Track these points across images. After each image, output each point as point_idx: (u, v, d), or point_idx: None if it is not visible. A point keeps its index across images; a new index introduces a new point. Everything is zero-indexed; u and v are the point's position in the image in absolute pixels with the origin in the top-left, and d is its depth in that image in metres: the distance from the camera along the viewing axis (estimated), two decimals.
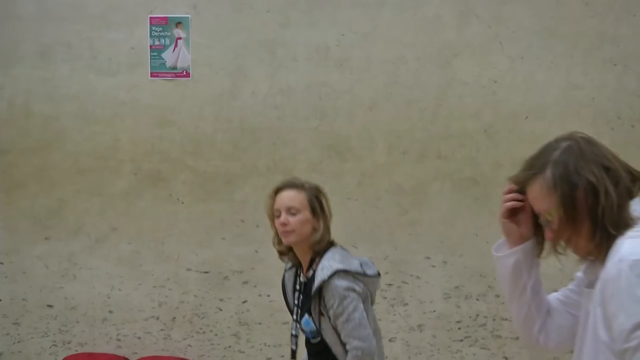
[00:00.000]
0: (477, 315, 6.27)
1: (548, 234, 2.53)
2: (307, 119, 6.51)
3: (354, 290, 4.05)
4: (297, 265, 4.34)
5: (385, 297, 6.38)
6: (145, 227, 6.77)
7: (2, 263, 7.01)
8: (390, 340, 6.34)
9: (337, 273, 4.04)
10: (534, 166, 2.50)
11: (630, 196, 2.47)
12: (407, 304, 6.35)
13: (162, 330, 6.77)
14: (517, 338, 6.18)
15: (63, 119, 6.84)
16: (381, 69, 6.41)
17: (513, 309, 2.85)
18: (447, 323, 6.31)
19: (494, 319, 6.24)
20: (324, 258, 4.14)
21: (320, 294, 4.06)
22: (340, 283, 4.03)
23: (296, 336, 4.28)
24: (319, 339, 4.15)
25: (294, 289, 4.32)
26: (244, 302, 6.62)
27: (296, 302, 4.26)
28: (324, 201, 4.28)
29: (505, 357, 6.23)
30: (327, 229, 4.28)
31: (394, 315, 6.38)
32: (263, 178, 6.54)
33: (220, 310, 6.67)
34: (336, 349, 4.11)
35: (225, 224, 6.64)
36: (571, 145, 2.48)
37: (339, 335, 4.06)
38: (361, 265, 4.16)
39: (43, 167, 6.89)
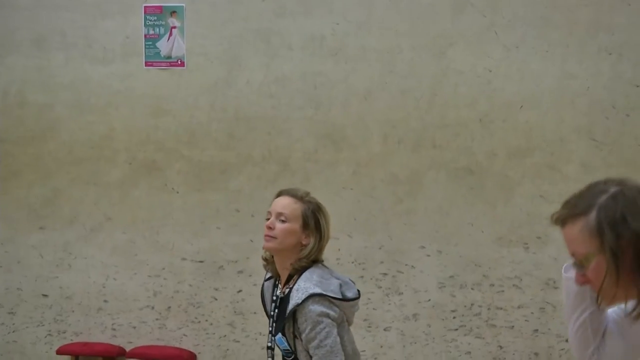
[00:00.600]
0: (472, 305, 6.25)
1: (578, 277, 2.42)
2: (302, 108, 6.48)
3: (327, 315, 3.84)
4: (277, 276, 4.18)
5: (380, 287, 6.36)
6: (140, 217, 6.75)
7: None
8: (385, 330, 6.33)
9: (312, 297, 3.83)
10: (577, 206, 2.32)
11: None
12: (402, 293, 6.34)
13: (157, 319, 6.75)
14: (512, 327, 6.18)
15: (58, 108, 6.82)
16: (376, 58, 6.38)
17: (570, 327, 2.76)
18: (442, 312, 6.29)
19: (488, 308, 6.22)
20: (301, 278, 3.90)
21: (294, 316, 3.97)
22: (314, 308, 3.81)
23: (272, 348, 4.13)
24: (293, 357, 4.05)
25: (272, 300, 4.18)
26: (239, 291, 6.60)
27: (272, 314, 4.13)
28: (322, 220, 4.00)
29: (500, 346, 6.21)
30: (317, 249, 3.98)
31: (389, 304, 6.36)
32: (258, 167, 6.52)
33: (216, 299, 6.65)
34: None
35: (220, 214, 6.62)
36: (622, 191, 2.33)
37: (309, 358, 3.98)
38: (340, 286, 3.98)
39: (38, 157, 6.87)
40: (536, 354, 6.17)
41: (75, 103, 6.79)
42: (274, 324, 4.02)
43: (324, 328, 3.77)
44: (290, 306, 3.84)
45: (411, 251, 6.32)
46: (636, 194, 2.29)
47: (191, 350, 6.68)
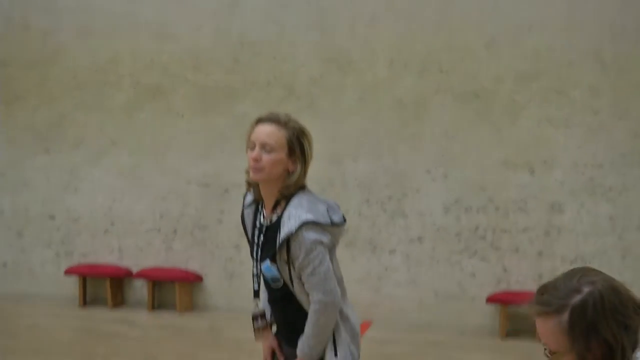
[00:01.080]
0: (477, 228, 6.28)
1: None
2: (307, 32, 6.45)
3: (321, 243, 3.83)
4: (259, 201, 4.12)
5: (386, 210, 6.39)
6: (146, 141, 6.75)
7: (4, 175, 7.01)
8: (390, 253, 6.37)
9: (305, 224, 3.86)
10: (551, 304, 2.38)
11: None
12: (407, 216, 6.36)
13: (163, 242, 6.79)
14: (517, 250, 6.22)
15: (62, 32, 6.80)
16: None
17: None
18: (447, 235, 6.33)
19: (493, 231, 6.26)
20: (291, 205, 3.79)
21: (287, 245, 3.90)
22: (308, 235, 3.73)
23: (257, 275, 4.08)
24: (280, 284, 4.03)
25: (254, 226, 4.12)
26: None
27: (256, 241, 4.07)
28: (306, 145, 3.91)
29: (505, 269, 6.26)
30: (303, 174, 4.00)
31: (394, 227, 6.39)
32: (263, 92, 6.50)
33: (221, 222, 6.68)
34: (301, 297, 3.96)
35: (225, 138, 6.62)
36: (594, 294, 2.39)
37: (301, 285, 3.96)
38: (327, 210, 3.95)
39: (42, 81, 6.86)
40: (540, 275, 6.20)
41: (79, 28, 6.76)
42: (260, 252, 4.00)
43: (318, 255, 3.73)
44: (283, 234, 3.78)
45: (416, 175, 6.34)
46: (608, 295, 2.35)
47: (197, 272, 6.73)
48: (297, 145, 3.75)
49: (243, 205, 4.02)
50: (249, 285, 6.63)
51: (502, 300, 6.15)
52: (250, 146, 3.80)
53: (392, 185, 6.38)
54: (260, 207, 3.89)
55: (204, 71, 6.62)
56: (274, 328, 4.13)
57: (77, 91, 6.83)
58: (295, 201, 3.76)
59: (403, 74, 6.32)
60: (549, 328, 2.40)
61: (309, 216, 3.71)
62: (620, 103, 6.01)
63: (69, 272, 6.82)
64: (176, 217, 6.76)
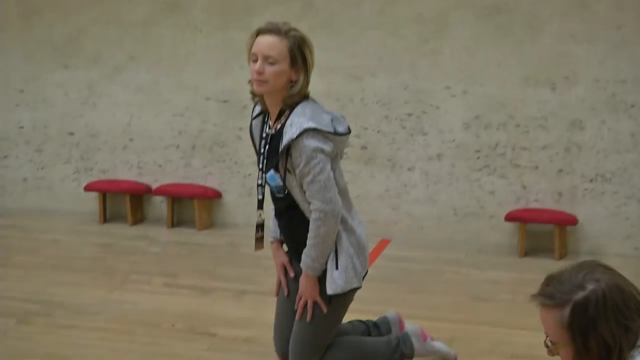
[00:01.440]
0: (497, 145, 6.24)
1: (549, 352, 2.51)
2: None
3: (322, 151, 3.84)
4: (266, 112, 4.14)
5: (405, 127, 6.35)
6: (164, 56, 6.72)
7: (23, 90, 7.01)
8: (409, 170, 6.35)
9: (306, 132, 3.85)
10: (555, 297, 2.43)
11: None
12: (426, 133, 6.32)
13: (182, 158, 6.80)
14: (536, 167, 6.18)
15: None
16: None
17: None
18: (466, 152, 6.29)
19: (513, 149, 6.21)
20: (294, 113, 3.86)
21: (288, 151, 3.92)
22: (309, 143, 3.79)
23: (262, 185, 4.12)
24: (284, 194, 4.05)
25: (261, 137, 4.15)
26: None
27: (262, 150, 4.09)
28: (307, 53, 3.94)
29: (524, 186, 6.23)
30: (306, 83, 3.95)
31: (413, 144, 6.36)
32: (282, 6, 6.44)
33: (240, 139, 6.67)
34: (303, 206, 3.98)
35: (244, 53, 6.52)
36: (597, 292, 2.40)
37: (302, 193, 3.97)
38: (332, 121, 3.96)
39: None
40: (560, 193, 6.19)
41: None
42: (265, 161, 3.99)
43: (318, 163, 3.74)
44: (285, 141, 3.79)
45: (436, 91, 6.28)
46: (611, 294, 2.40)
47: (216, 188, 6.75)
48: (299, 54, 3.81)
49: (251, 117, 4.04)
50: (267, 201, 6.65)
51: (521, 218, 6.14)
52: (253, 58, 3.83)
53: (411, 102, 6.33)
54: (266, 117, 3.95)
55: None
56: (285, 246, 4.16)
57: (94, 5, 6.79)
58: (298, 109, 3.83)
59: None
60: (550, 320, 2.48)
61: (310, 124, 3.75)
62: None
63: (88, 188, 6.86)
64: (195, 134, 6.76)
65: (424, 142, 6.36)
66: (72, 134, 7.00)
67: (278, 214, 4.09)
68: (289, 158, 3.79)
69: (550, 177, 6.19)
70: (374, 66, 6.31)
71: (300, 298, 3.99)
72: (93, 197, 6.92)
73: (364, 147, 6.37)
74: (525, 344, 4.70)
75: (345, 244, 3.90)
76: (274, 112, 3.87)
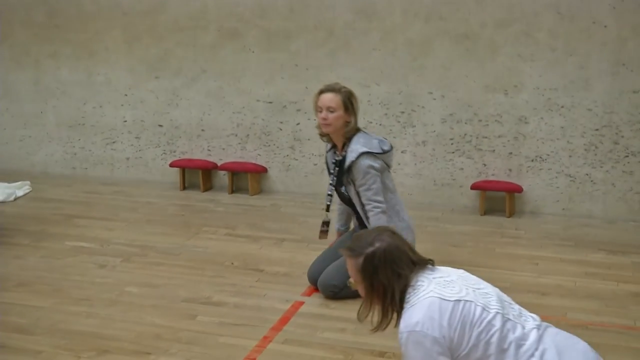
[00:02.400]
0: (465, 135, 6.21)
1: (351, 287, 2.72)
2: None
3: (373, 167, 4.21)
4: (334, 145, 4.43)
5: (399, 121, 6.33)
6: (227, 70, 6.72)
7: (127, 95, 7.04)
8: (402, 152, 6.34)
9: (361, 155, 4.17)
10: (354, 250, 2.62)
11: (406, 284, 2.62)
12: (414, 126, 6.30)
13: (239, 143, 6.81)
14: (494, 151, 6.15)
15: None
16: None
17: None
18: (443, 140, 6.27)
19: (477, 137, 6.19)
20: (352, 142, 4.23)
21: (350, 170, 4.20)
22: (364, 162, 4.17)
23: (331, 195, 4.40)
24: (347, 197, 4.38)
25: (332, 163, 4.46)
26: (297, 124, 6.61)
27: (332, 171, 4.39)
28: (354, 102, 4.34)
29: (484, 164, 6.21)
30: (355, 122, 4.31)
31: (405, 134, 6.34)
32: (311, 34, 6.41)
33: (281, 130, 6.67)
34: (358, 208, 4.35)
35: (284, 67, 6.56)
36: (380, 249, 2.57)
37: (358, 197, 4.28)
38: (379, 142, 4.24)
39: (153, 25, 6.83)
40: (510, 169, 6.16)
41: None
42: (335, 178, 4.36)
43: (371, 177, 4.22)
44: (347, 162, 4.22)
45: (422, 96, 6.25)
46: (390, 251, 2.56)
47: (263, 165, 6.76)
48: (349, 103, 4.21)
49: (326, 150, 4.47)
50: (301, 175, 6.73)
51: (482, 187, 6.12)
52: (318, 110, 4.22)
53: (404, 103, 6.30)
54: (335, 149, 4.34)
55: (268, 18, 6.52)
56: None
57: (177, 33, 6.79)
58: (354, 139, 4.24)
59: (413, 21, 6.17)
60: (351, 266, 2.64)
61: (364, 149, 4.15)
62: (571, 43, 5.84)
63: (172, 165, 6.89)
64: (248, 126, 6.76)
65: (413, 132, 6.34)
66: (161, 126, 7.02)
67: (354, 211, 4.46)
68: (350, 174, 4.05)
69: (503, 157, 6.16)
70: (377, 77, 6.29)
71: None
72: (175, 172, 6.95)
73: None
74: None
75: (399, 228, 4.19)
76: (339, 144, 4.32)
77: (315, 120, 4.40)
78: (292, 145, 6.67)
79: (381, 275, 2.55)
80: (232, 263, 4.94)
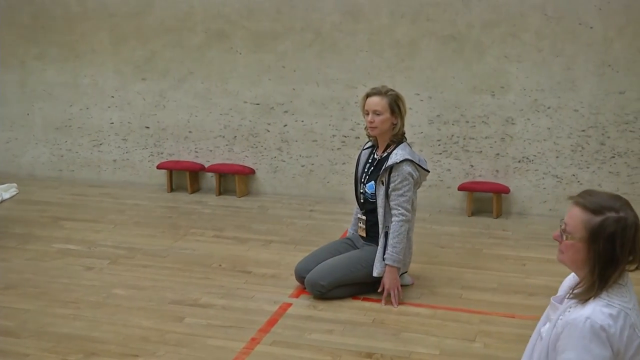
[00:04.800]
0: (452, 136, 6.23)
1: (556, 235, 2.44)
2: None
3: (412, 176, 4.28)
4: (374, 146, 4.50)
5: None
6: (214, 71, 6.71)
7: (113, 97, 7.02)
8: None
9: (406, 160, 4.25)
10: (594, 205, 2.35)
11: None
12: None
13: (226, 145, 6.80)
14: (481, 152, 6.17)
15: None
16: None
17: None
18: (431, 141, 6.28)
19: (464, 138, 6.20)
20: (399, 148, 4.31)
21: (390, 170, 4.25)
22: (406, 168, 4.24)
23: (363, 193, 4.41)
24: (373, 198, 4.39)
25: (366, 162, 4.49)
26: (285, 125, 6.61)
27: (366, 170, 4.46)
28: (401, 105, 4.38)
29: (472, 165, 6.22)
30: (402, 124, 4.38)
31: None
32: (298, 36, 6.41)
33: (268, 131, 6.67)
34: (379, 210, 4.34)
35: (271, 69, 6.56)
36: (627, 220, 2.33)
37: (385, 202, 4.29)
38: (419, 160, 4.32)
39: (140, 27, 6.82)
40: (497, 170, 6.18)
41: None
42: (367, 177, 4.43)
43: (408, 184, 4.28)
44: (390, 162, 4.27)
45: (409, 97, 6.21)
46: (631, 226, 2.32)
47: (251, 167, 6.76)
48: (396, 106, 4.29)
49: (362, 148, 4.61)
50: (288, 176, 6.72)
51: (469, 188, 6.14)
52: (365, 113, 4.28)
53: None
54: (374, 149, 4.42)
55: (255, 19, 6.51)
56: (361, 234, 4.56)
57: (164, 34, 6.77)
58: (402, 146, 4.33)
59: (400, 22, 6.19)
60: (579, 217, 2.36)
61: (409, 157, 4.19)
62: (557, 44, 5.86)
63: (159, 167, 6.87)
64: (236, 127, 6.76)
65: None
66: (148, 127, 7.00)
67: (365, 213, 4.49)
68: (388, 175, 4.24)
69: (490, 159, 6.18)
70: (364, 78, 6.30)
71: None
72: (163, 173, 6.94)
73: (357, 137, 6.37)
74: (471, 278, 4.73)
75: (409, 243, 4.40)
76: (382, 146, 4.37)
77: (356, 121, 4.40)
78: (280, 147, 6.67)
79: (617, 245, 2.31)
80: (220, 265, 4.94)
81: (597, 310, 2.31)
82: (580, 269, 2.41)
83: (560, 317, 2.40)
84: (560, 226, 2.42)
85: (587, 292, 2.36)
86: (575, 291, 2.41)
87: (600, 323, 2.28)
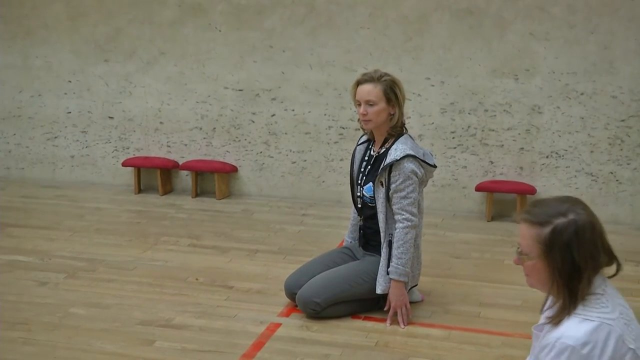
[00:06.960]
0: (469, 127, 6.24)
1: (516, 260, 2.50)
2: None
3: (416, 174, 4.21)
4: (371, 140, 4.45)
5: None
6: (189, 52, 6.71)
7: (70, 81, 7.01)
8: None
9: (407, 156, 4.17)
10: (539, 217, 2.42)
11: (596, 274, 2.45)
12: (409, 117, 6.32)
13: (204, 138, 6.81)
14: (502, 146, 6.19)
15: None
16: None
17: None
18: (443, 133, 6.30)
19: (482, 130, 6.22)
20: (398, 141, 4.24)
21: (389, 169, 4.20)
22: (408, 165, 4.16)
23: (360, 197, 4.40)
24: (373, 202, 4.33)
25: (362, 160, 4.42)
26: (273, 115, 6.62)
27: (362, 170, 4.37)
28: (398, 91, 4.30)
29: (491, 162, 6.24)
30: (401, 114, 4.32)
31: None
32: (288, 9, 6.42)
33: (253, 122, 6.67)
34: (380, 216, 4.27)
35: (256, 49, 6.56)
36: (576, 222, 2.38)
37: (387, 206, 4.24)
38: (424, 154, 4.27)
39: None
40: (521, 168, 6.19)
41: None
42: (364, 178, 4.38)
43: (412, 184, 4.22)
44: (389, 160, 4.19)
45: (418, 82, 6.28)
46: (586, 227, 2.38)
47: (233, 164, 6.76)
48: (392, 93, 4.25)
49: (357, 143, 4.47)
50: (277, 175, 6.73)
51: (488, 188, 6.15)
52: (357, 104, 4.24)
53: None
54: (370, 145, 4.35)
55: None
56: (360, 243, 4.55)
57: (130, 8, 6.78)
58: (402, 139, 4.23)
59: None
60: (529, 234, 2.44)
61: (411, 152, 4.17)
62: (592, 18, 5.88)
63: (125, 164, 6.87)
64: (215, 118, 6.76)
65: (408, 125, 6.29)
66: (111, 118, 7.00)
67: (364, 220, 4.47)
68: (387, 175, 4.09)
69: (513, 154, 6.19)
70: (365, 60, 6.30)
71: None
72: (129, 172, 6.94)
73: (356, 129, 6.36)
74: (490, 294, 4.73)
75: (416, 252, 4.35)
76: (379, 140, 4.36)
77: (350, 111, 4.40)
78: (267, 141, 6.67)
79: (576, 253, 2.36)
80: (197, 279, 4.93)
81: (570, 329, 2.35)
82: (549, 288, 2.48)
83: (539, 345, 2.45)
84: (517, 249, 2.49)
85: (560, 312, 2.41)
86: (547, 314, 2.47)
87: (571, 343, 2.31)
